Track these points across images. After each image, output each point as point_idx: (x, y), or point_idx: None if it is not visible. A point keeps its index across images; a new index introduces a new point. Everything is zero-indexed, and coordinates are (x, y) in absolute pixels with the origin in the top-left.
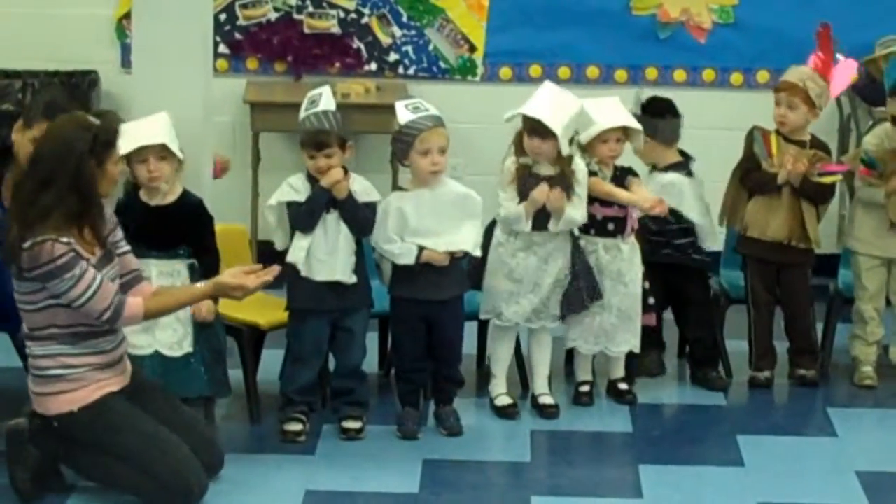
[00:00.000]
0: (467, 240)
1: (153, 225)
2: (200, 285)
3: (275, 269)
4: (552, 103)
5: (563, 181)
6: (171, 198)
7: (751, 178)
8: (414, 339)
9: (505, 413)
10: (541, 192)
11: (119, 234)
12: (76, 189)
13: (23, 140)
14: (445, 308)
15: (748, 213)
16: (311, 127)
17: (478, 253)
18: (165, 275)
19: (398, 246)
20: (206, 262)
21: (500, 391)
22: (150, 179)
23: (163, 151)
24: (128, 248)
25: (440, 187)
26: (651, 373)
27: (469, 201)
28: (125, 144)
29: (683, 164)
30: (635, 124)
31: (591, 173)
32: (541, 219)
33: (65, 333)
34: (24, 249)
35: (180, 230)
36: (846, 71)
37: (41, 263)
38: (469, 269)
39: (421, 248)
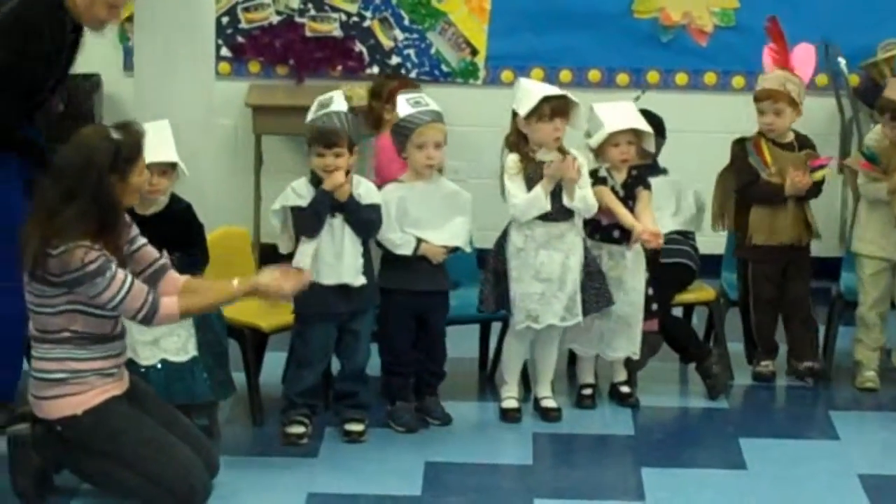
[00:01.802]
0: (459, 234)
1: (145, 234)
2: (235, 283)
3: (310, 274)
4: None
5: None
6: (161, 205)
7: (755, 192)
8: (406, 331)
9: (507, 416)
10: (554, 165)
11: (135, 229)
12: (98, 202)
13: None
14: (437, 301)
15: (752, 222)
16: (323, 125)
17: (468, 249)
18: None
19: (399, 236)
20: (195, 264)
21: (510, 394)
22: (149, 193)
23: (165, 166)
24: (144, 240)
25: (434, 182)
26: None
27: (460, 198)
28: None
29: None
30: (646, 127)
31: (602, 179)
32: (556, 209)
33: (77, 338)
34: (54, 255)
35: (171, 236)
36: (806, 55)
37: (71, 269)
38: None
39: (419, 241)
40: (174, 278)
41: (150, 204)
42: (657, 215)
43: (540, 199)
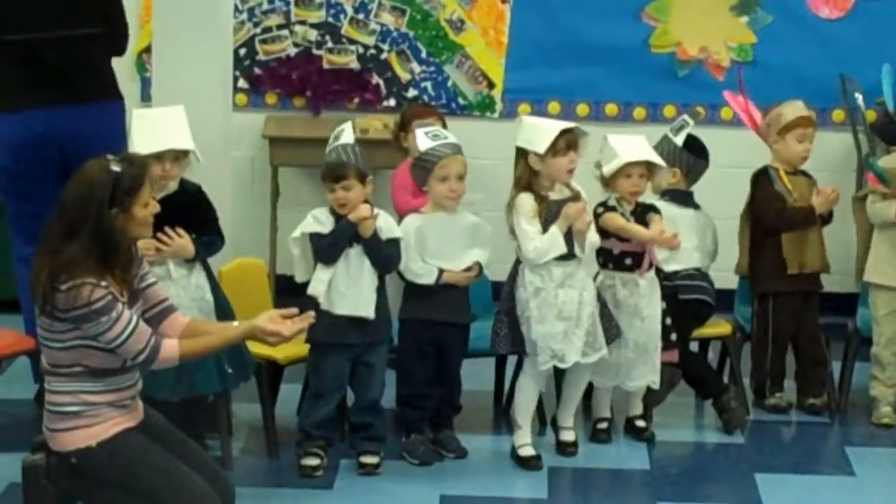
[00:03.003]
0: (480, 257)
1: (161, 217)
2: (234, 326)
3: (310, 317)
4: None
5: (575, 202)
6: (172, 188)
7: (788, 218)
8: (425, 363)
9: (529, 465)
10: (574, 209)
11: (145, 266)
12: (99, 237)
13: None
14: (457, 332)
15: (785, 249)
16: (331, 160)
17: (487, 273)
18: (181, 264)
19: (420, 266)
20: (212, 245)
21: (525, 441)
22: (161, 178)
23: (179, 153)
24: (154, 279)
25: (454, 214)
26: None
27: (480, 230)
28: (148, 143)
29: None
30: (659, 161)
31: (611, 208)
32: (568, 249)
33: (89, 371)
34: (61, 291)
35: (185, 218)
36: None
37: (78, 306)
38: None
39: (440, 270)
40: (178, 320)
41: (160, 189)
42: (682, 249)
43: (558, 240)
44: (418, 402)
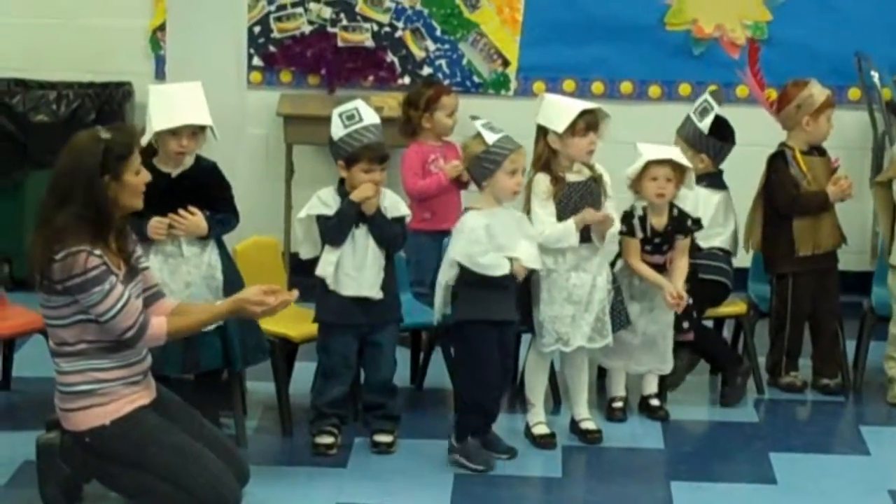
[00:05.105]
0: (531, 255)
1: (176, 193)
2: (220, 303)
3: (294, 293)
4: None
5: (595, 184)
6: (188, 164)
7: (801, 204)
8: (493, 364)
9: (543, 443)
10: (598, 219)
11: (139, 249)
12: (91, 205)
13: None
14: (512, 330)
15: (798, 234)
16: (370, 141)
17: (539, 266)
18: (193, 242)
19: (493, 257)
20: (227, 222)
21: (539, 419)
22: (177, 153)
23: (196, 129)
24: (147, 264)
25: (506, 207)
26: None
27: (524, 222)
28: (165, 119)
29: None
30: (685, 162)
31: (631, 229)
32: (583, 234)
33: (94, 348)
34: (56, 260)
35: (200, 195)
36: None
37: (73, 275)
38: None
39: (510, 261)
40: (166, 305)
41: (176, 164)
42: (707, 232)
43: (570, 233)
44: (487, 407)
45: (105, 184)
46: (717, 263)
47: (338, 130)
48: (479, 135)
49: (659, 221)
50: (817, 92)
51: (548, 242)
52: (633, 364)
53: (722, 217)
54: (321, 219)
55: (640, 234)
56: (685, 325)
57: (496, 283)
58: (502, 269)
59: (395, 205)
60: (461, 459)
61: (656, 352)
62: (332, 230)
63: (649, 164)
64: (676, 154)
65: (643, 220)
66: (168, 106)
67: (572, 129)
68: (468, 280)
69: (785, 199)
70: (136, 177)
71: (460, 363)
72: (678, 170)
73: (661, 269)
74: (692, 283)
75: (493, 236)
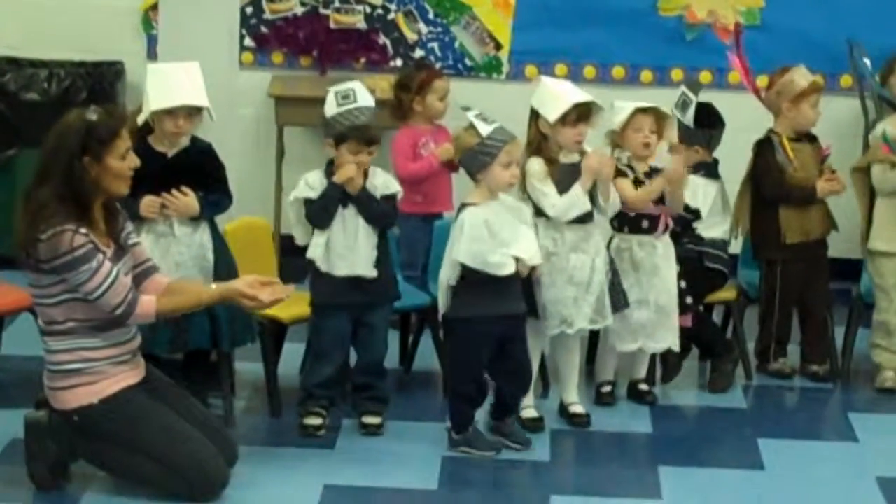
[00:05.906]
0: (532, 252)
1: (171, 173)
2: (213, 287)
3: (290, 289)
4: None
5: None
6: (183, 144)
7: (786, 194)
8: (483, 358)
9: (531, 427)
10: (595, 159)
11: (129, 225)
12: (69, 184)
13: None
14: (519, 323)
15: (785, 222)
16: (361, 122)
17: (538, 261)
18: (185, 223)
19: (499, 255)
20: (219, 203)
21: (527, 403)
22: (173, 134)
23: (193, 109)
24: (138, 239)
25: (499, 198)
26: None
27: (522, 211)
28: (164, 98)
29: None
30: (668, 113)
31: (621, 172)
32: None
33: (83, 327)
34: (42, 240)
35: (195, 176)
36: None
37: (60, 254)
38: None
39: (515, 259)
40: (159, 280)
41: (172, 144)
42: (708, 222)
43: (580, 197)
44: (476, 399)
45: (85, 164)
46: (718, 252)
47: (331, 108)
48: (471, 126)
49: (641, 167)
50: (798, 78)
51: (560, 214)
52: (651, 342)
53: (721, 207)
54: (307, 202)
55: (630, 175)
56: (688, 300)
57: (498, 278)
58: (509, 269)
59: (386, 182)
60: (467, 450)
61: (670, 325)
62: (317, 213)
63: (635, 114)
64: (658, 105)
65: (624, 173)
66: (165, 86)
67: (563, 119)
68: (470, 279)
69: (770, 184)
70: (121, 161)
71: (452, 359)
72: (659, 123)
73: (652, 220)
74: (697, 269)
75: (495, 232)
